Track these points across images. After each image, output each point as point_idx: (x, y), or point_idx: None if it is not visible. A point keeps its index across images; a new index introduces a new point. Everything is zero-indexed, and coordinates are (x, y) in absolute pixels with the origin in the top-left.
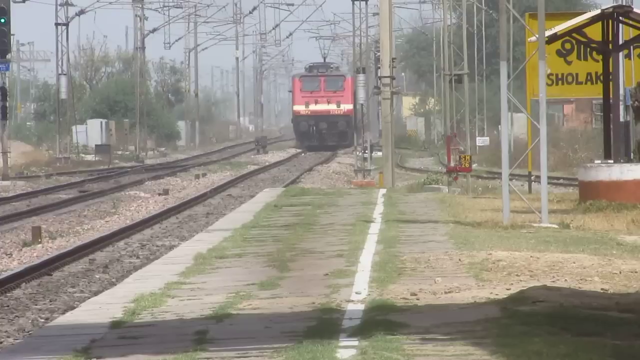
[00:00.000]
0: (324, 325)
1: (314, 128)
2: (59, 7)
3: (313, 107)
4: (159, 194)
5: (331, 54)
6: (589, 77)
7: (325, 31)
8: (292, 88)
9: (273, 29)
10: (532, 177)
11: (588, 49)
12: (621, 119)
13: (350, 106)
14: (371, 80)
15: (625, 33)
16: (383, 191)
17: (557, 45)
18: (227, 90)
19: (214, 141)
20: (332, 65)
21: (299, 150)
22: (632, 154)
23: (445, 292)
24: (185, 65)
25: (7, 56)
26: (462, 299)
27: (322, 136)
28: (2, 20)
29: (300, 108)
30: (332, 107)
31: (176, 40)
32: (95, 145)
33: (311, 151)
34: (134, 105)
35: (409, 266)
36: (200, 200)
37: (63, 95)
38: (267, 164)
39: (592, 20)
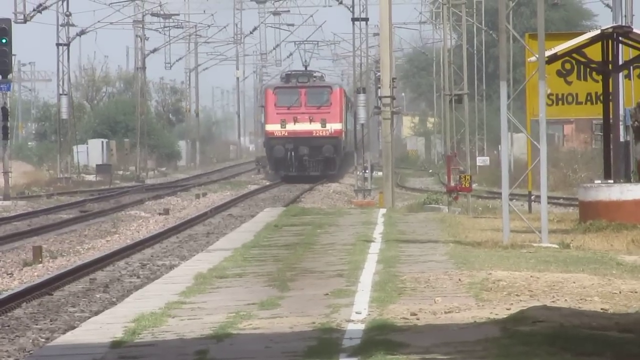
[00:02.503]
0: (324, 345)
1: (292, 154)
2: (60, 28)
3: (291, 126)
4: (160, 214)
5: (331, 75)
6: (588, 97)
7: (326, 51)
8: (264, 102)
9: (273, 49)
10: (532, 197)
11: (588, 69)
12: (621, 139)
13: (338, 125)
14: (371, 100)
15: (625, 53)
16: (383, 211)
17: (557, 65)
18: (228, 110)
19: (215, 161)
20: (315, 74)
21: (267, 183)
22: (632, 174)
23: (445, 312)
24: (186, 85)
25: (8, 76)
26: (462, 319)
27: (302, 164)
28: (4, 41)
29: (274, 128)
30: (315, 126)
31: (177, 61)
32: (96, 165)
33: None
34: (134, 125)
35: (409, 286)
36: (200, 220)
37: (64, 115)
38: (267, 183)
39: (592, 41)
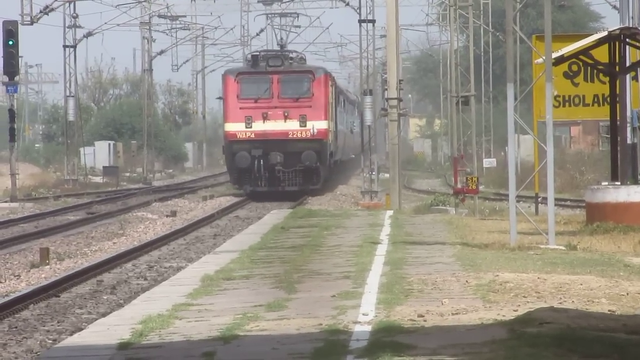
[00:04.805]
0: (331, 346)
1: (261, 162)
2: (67, 29)
3: (259, 126)
4: (167, 216)
5: (338, 77)
6: (595, 99)
7: (333, 53)
8: (222, 93)
9: (280, 51)
10: (539, 199)
11: (595, 71)
12: (628, 141)
13: (323, 124)
14: (378, 102)
15: (632, 55)
16: (390, 213)
17: (564, 67)
18: None
19: (222, 163)
20: (292, 56)
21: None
22: (639, 176)
23: (453, 314)
24: (193, 87)
25: (15, 78)
26: (469, 321)
27: (274, 176)
28: (11, 43)
29: (236, 128)
30: (291, 125)
31: (184, 63)
32: (103, 167)
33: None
34: (141, 127)
35: (416, 288)
36: (207, 222)
37: (71, 117)
38: None
39: (599, 42)
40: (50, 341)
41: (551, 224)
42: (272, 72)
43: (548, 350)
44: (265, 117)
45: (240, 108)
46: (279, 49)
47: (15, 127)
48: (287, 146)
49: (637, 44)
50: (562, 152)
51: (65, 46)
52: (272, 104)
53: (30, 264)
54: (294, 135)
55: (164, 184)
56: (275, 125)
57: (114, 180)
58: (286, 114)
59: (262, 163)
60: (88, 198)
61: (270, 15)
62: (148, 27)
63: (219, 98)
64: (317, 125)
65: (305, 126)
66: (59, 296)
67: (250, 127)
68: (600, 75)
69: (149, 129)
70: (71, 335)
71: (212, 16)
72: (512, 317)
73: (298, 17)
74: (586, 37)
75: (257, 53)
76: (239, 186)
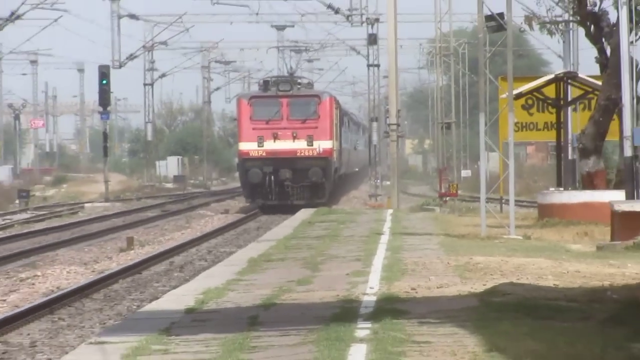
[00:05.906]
0: (346, 312)
1: (272, 178)
2: (146, 72)
3: (270, 145)
4: (222, 213)
5: (350, 108)
6: (546, 125)
7: (347, 89)
8: (237, 115)
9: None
10: (503, 200)
11: (545, 104)
12: (570, 157)
13: (328, 144)
14: (382, 126)
15: (573, 92)
16: (390, 211)
17: (522, 101)
18: None
19: None
20: (300, 81)
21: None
22: (577, 184)
23: (437, 287)
24: None
25: (107, 109)
26: (450, 293)
27: (283, 190)
28: (104, 82)
29: (249, 147)
30: (300, 145)
31: (234, 96)
32: (173, 176)
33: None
34: (202, 146)
35: (410, 268)
36: (252, 218)
37: (149, 138)
38: None
39: (548, 83)
40: (135, 307)
41: (512, 220)
42: (282, 95)
43: (509, 314)
44: (275, 137)
45: (253, 129)
46: (288, 75)
47: (108, 146)
48: (295, 163)
49: (576, 84)
50: (520, 165)
51: (145, 84)
52: (282, 125)
53: (119, 249)
54: (302, 154)
55: (220, 189)
56: (284, 145)
57: (181, 186)
58: (295, 134)
59: (272, 179)
60: (162, 199)
61: (281, 49)
62: (207, 70)
63: (234, 120)
64: (323, 144)
65: (312, 145)
66: (141, 273)
67: (262, 146)
68: (549, 107)
69: (208, 147)
70: (150, 302)
71: (256, 61)
72: (482, 290)
73: (307, 49)
74: (539, 78)
75: (269, 79)
76: (251, 200)
